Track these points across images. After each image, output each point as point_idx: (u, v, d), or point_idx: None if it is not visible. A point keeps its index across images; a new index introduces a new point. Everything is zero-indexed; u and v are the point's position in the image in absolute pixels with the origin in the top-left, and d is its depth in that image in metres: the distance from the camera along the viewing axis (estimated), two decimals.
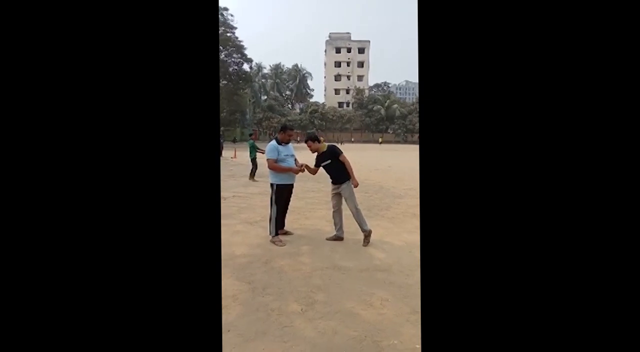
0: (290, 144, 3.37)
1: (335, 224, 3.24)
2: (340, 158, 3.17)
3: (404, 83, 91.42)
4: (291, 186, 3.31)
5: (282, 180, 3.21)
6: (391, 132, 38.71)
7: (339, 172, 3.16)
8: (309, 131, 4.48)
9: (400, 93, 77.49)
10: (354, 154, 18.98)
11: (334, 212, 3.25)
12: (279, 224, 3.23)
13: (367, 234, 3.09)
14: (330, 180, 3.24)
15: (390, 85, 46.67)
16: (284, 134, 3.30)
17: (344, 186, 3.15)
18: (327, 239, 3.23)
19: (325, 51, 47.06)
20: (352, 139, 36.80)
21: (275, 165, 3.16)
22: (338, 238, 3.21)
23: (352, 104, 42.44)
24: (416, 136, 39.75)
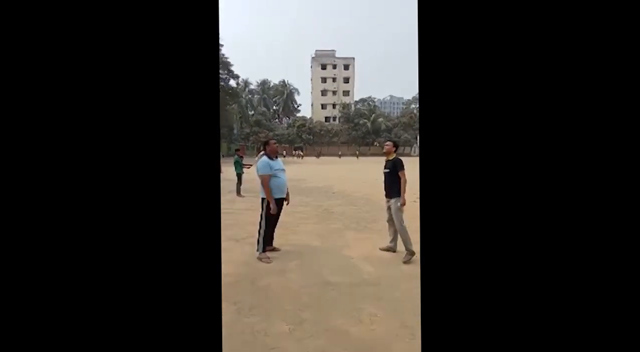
0: (279, 158, 3.37)
1: (389, 235, 3.31)
2: (400, 173, 3.16)
3: (389, 98, 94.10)
4: (282, 200, 3.28)
5: (274, 194, 3.17)
6: (377, 145, 39.37)
7: (391, 185, 3.21)
8: (388, 137, 4.65)
9: (385, 107, 79.57)
10: (340, 167, 19.12)
11: (387, 223, 3.31)
12: (267, 241, 3.17)
13: (410, 254, 3.03)
14: (384, 190, 3.31)
15: (375, 100, 47.77)
16: (270, 147, 3.31)
17: (392, 200, 3.18)
18: (380, 249, 3.31)
19: (311, 67, 48.14)
20: (340, 153, 37.06)
21: (266, 187, 3.11)
22: (390, 249, 3.28)
23: (339, 118, 43.16)
24: (402, 149, 40.58)
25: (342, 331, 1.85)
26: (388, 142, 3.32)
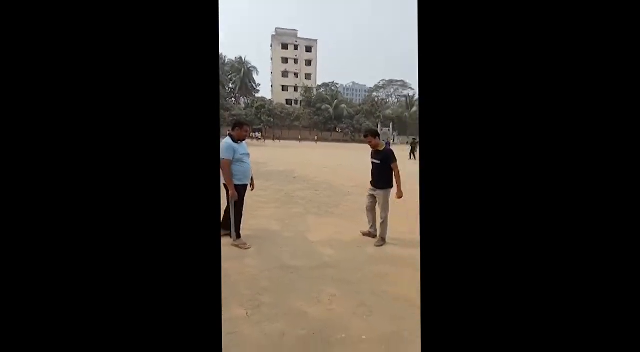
0: (245, 141, 3.15)
1: (369, 221, 3.26)
2: (392, 165, 3.09)
3: (351, 84, 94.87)
4: (246, 185, 3.13)
5: (239, 180, 2.99)
6: (339, 131, 39.85)
7: (381, 177, 3.14)
8: (367, 128, 4.26)
9: (347, 94, 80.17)
10: (301, 151, 19.04)
11: (367, 210, 3.25)
12: (238, 226, 3.01)
13: (383, 240, 3.10)
14: (370, 179, 3.23)
15: (338, 86, 47.81)
16: (241, 131, 3.05)
17: (380, 192, 3.13)
18: (362, 233, 3.27)
19: (272, 46, 46.21)
20: (300, 137, 36.76)
21: (227, 173, 2.88)
22: (371, 234, 3.24)
23: (301, 102, 42.53)
24: (362, 136, 41.49)
25: (301, 313, 1.87)
26: (369, 137, 3.25)
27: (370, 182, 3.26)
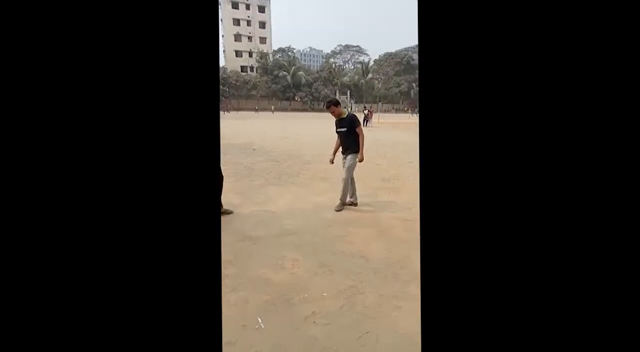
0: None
1: (349, 192, 3.28)
2: (357, 129, 3.12)
3: (308, 49, 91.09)
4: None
5: None
6: (298, 99, 38.82)
7: (351, 143, 3.15)
8: (329, 98, 3.73)
9: (305, 60, 77.08)
10: (259, 122, 18.38)
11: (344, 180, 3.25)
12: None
13: (342, 205, 3.18)
14: (341, 148, 3.23)
15: (294, 51, 45.61)
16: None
17: (349, 156, 3.14)
18: (343, 204, 3.25)
19: (221, 4, 41.84)
20: (257, 108, 35.14)
21: None
22: (353, 204, 3.29)
23: (257, 68, 40.12)
24: (322, 104, 41.10)
25: (265, 279, 1.93)
26: (331, 107, 3.24)
27: (341, 151, 3.30)
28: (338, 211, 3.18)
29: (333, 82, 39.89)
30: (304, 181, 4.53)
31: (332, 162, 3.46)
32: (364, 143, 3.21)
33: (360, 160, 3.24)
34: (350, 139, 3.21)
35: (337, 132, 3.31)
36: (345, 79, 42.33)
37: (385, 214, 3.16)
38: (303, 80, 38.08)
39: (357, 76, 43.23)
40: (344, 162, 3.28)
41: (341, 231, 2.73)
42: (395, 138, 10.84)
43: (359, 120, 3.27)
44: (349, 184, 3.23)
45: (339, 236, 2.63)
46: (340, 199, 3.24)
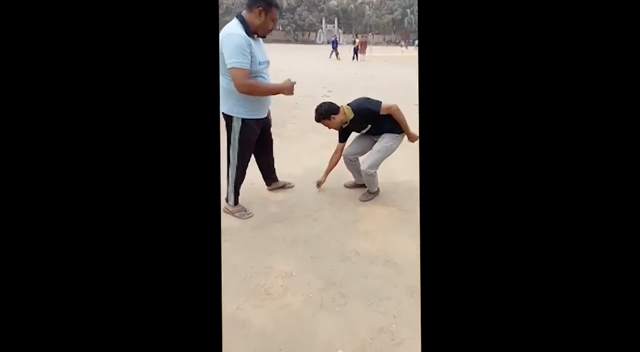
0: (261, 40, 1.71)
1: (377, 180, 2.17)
2: (384, 110, 1.96)
3: None
4: (261, 121, 1.79)
5: (252, 110, 1.69)
6: (280, 28, 34.51)
7: (388, 127, 2.05)
8: (319, 110, 2.03)
9: None
10: None
11: (349, 164, 2.23)
12: (239, 185, 1.85)
13: (370, 194, 2.17)
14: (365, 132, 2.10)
15: None
16: (266, 17, 1.58)
17: (387, 136, 2.04)
18: (346, 186, 2.32)
19: None
20: None
21: (255, 86, 1.59)
22: (357, 185, 2.31)
23: None
24: (307, 35, 37.01)
25: (240, 322, 1.20)
26: (322, 120, 2.03)
27: (368, 131, 2.14)
28: (364, 201, 2.16)
29: (319, 7, 35.23)
30: (291, 134, 3.59)
31: (320, 186, 2.25)
32: (403, 116, 2.05)
33: (414, 140, 2.13)
34: (381, 128, 2.08)
35: (356, 137, 2.20)
36: (333, 3, 37.58)
37: (401, 177, 2.39)
38: (285, 4, 33.19)
39: (346, 0, 38.35)
40: (361, 143, 2.17)
41: (349, 213, 1.97)
42: (392, 75, 9.50)
43: (375, 100, 2.05)
44: (376, 173, 2.12)
45: (348, 222, 1.88)
46: (369, 191, 2.19)
